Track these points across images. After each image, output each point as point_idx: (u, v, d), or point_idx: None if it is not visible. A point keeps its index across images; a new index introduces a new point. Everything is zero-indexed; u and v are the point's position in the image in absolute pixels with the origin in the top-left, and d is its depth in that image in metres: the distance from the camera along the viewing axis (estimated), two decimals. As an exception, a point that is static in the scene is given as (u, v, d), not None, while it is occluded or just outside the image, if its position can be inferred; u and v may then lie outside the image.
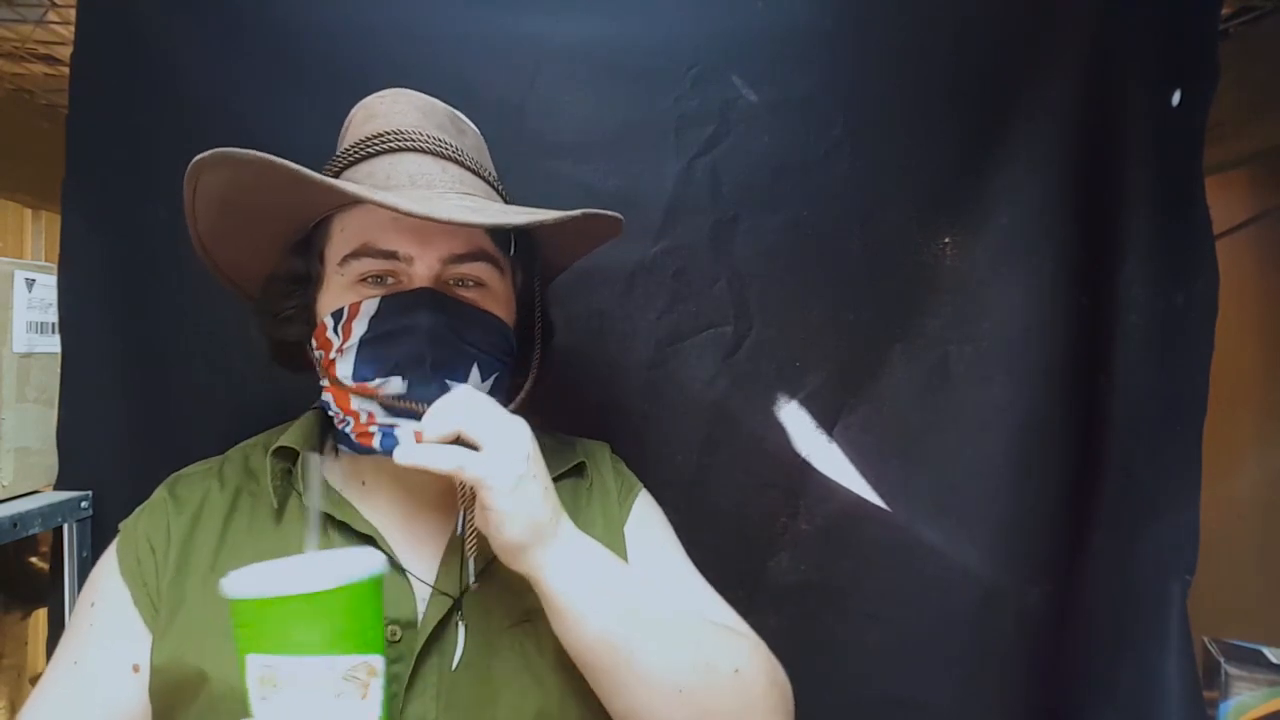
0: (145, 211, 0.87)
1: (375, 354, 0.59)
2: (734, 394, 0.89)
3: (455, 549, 0.63)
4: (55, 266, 0.87)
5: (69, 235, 0.87)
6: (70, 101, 0.86)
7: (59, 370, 0.86)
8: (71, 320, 0.86)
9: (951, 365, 0.87)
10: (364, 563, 0.48)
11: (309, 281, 0.65)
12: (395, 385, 0.59)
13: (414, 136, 0.63)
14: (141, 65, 0.86)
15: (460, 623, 0.61)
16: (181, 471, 0.68)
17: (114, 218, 0.87)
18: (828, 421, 0.89)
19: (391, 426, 0.59)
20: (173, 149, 0.85)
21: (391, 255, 0.60)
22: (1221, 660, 0.83)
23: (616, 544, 0.69)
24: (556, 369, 0.86)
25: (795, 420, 0.89)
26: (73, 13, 0.89)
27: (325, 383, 0.62)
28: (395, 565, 0.61)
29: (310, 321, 0.64)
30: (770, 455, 0.89)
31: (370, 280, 0.61)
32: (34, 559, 0.94)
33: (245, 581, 0.45)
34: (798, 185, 0.88)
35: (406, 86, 0.67)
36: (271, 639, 0.45)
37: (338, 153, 0.65)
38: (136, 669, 0.58)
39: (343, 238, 0.62)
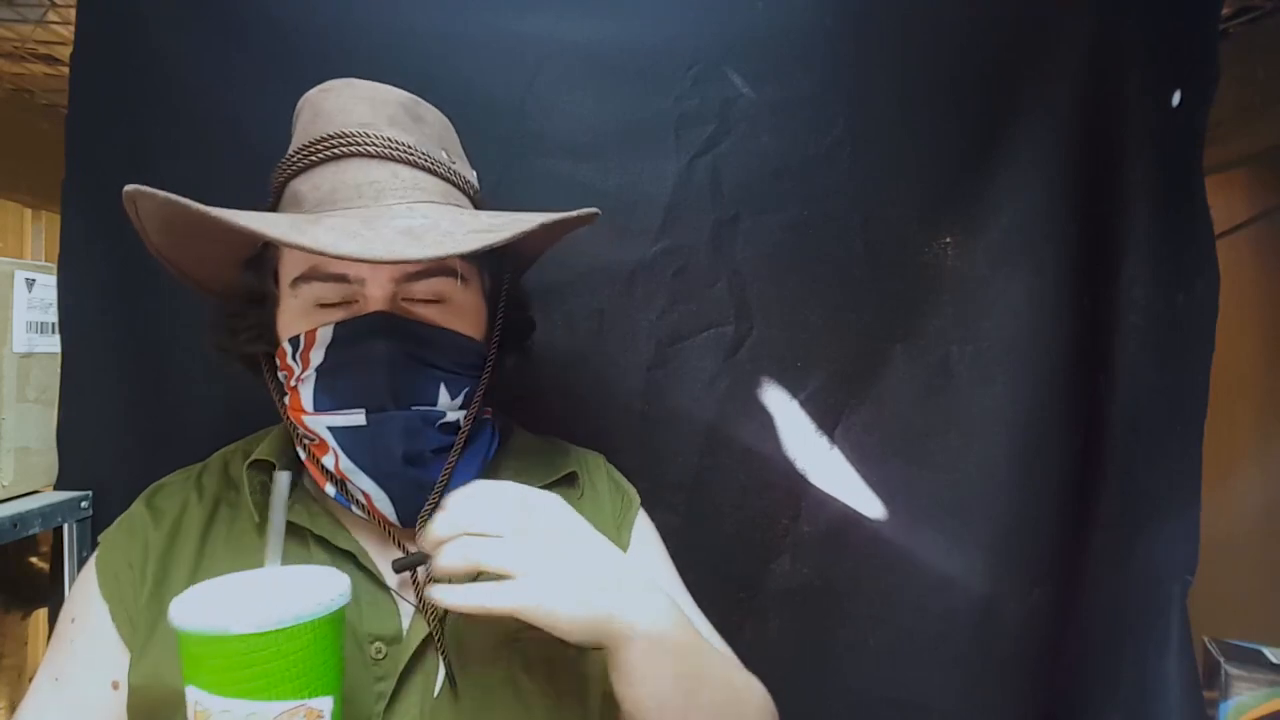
0: (145, 211, 0.87)
1: (333, 385, 0.57)
2: (734, 394, 0.89)
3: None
4: (55, 266, 0.86)
5: (69, 235, 0.87)
6: (70, 101, 0.86)
7: (59, 370, 0.86)
8: (71, 320, 0.86)
9: (953, 365, 0.87)
10: (321, 594, 0.46)
11: (265, 299, 0.62)
12: (357, 418, 0.56)
13: (360, 140, 0.58)
14: (141, 65, 0.86)
15: (439, 645, 0.58)
16: (162, 481, 0.66)
17: (114, 218, 0.86)
18: (829, 422, 0.89)
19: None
20: (172, 149, 0.87)
21: (341, 279, 0.57)
22: (1221, 660, 0.83)
23: None
24: (553, 368, 0.86)
25: (796, 421, 0.89)
26: (73, 13, 0.89)
27: (288, 401, 0.61)
28: (378, 583, 0.60)
29: (271, 341, 0.62)
30: (771, 456, 0.89)
31: (327, 305, 0.58)
32: (34, 559, 0.94)
33: (187, 609, 0.45)
34: (798, 185, 0.88)
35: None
36: (204, 675, 0.44)
37: (286, 156, 0.61)
38: (116, 686, 0.57)
39: (291, 259, 0.59)
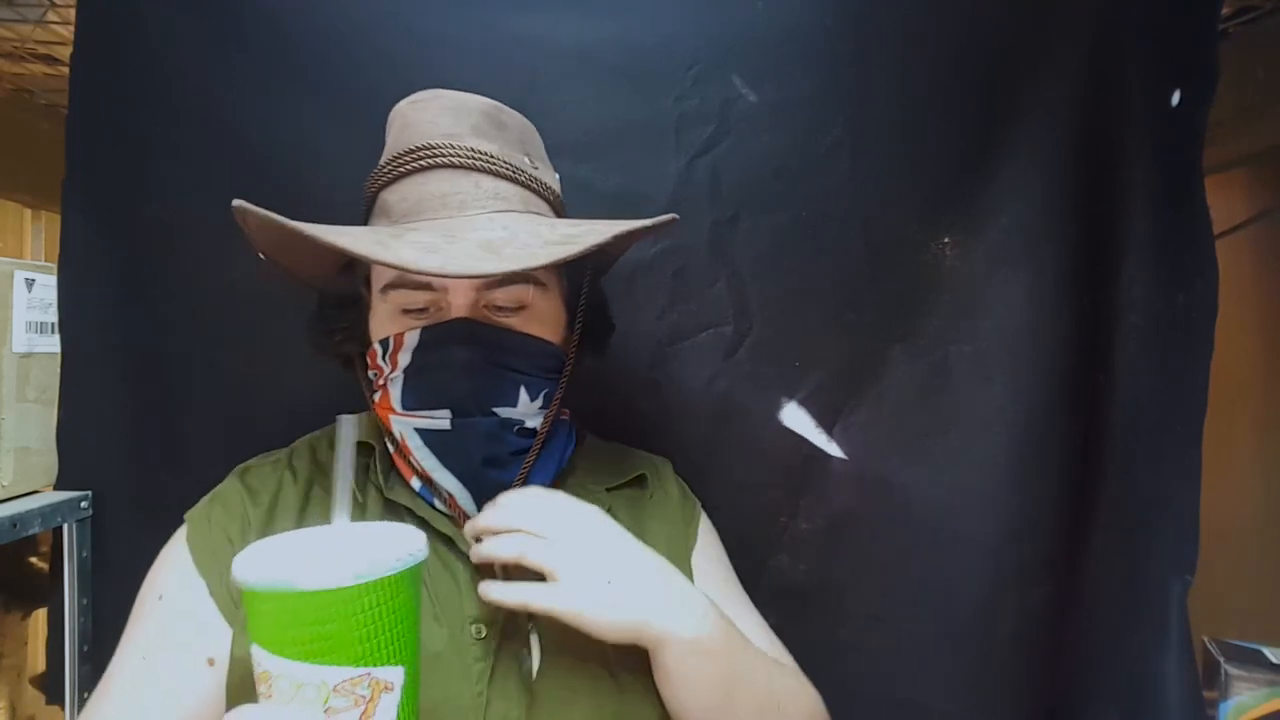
0: (145, 211, 0.87)
1: (419, 386, 0.60)
2: (734, 394, 0.89)
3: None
4: (55, 266, 0.87)
5: (69, 235, 0.87)
6: (70, 101, 0.86)
7: (59, 370, 0.86)
8: (71, 320, 0.86)
9: (952, 365, 0.87)
10: (393, 551, 0.42)
11: (358, 302, 0.66)
12: (443, 421, 0.60)
13: (444, 151, 0.61)
14: (141, 65, 0.86)
15: (533, 625, 0.61)
16: (249, 463, 0.67)
17: (114, 218, 0.87)
18: (828, 421, 0.89)
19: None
20: (172, 149, 0.87)
21: (426, 287, 0.60)
22: (1221, 660, 0.83)
23: (681, 566, 0.70)
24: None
25: (795, 420, 0.89)
26: (73, 13, 0.89)
27: (378, 398, 0.64)
28: (475, 567, 0.61)
29: (363, 340, 0.65)
30: (770, 455, 0.89)
31: (412, 310, 0.61)
32: (34, 559, 0.94)
33: (250, 564, 0.42)
34: (798, 185, 0.88)
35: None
36: (265, 633, 0.41)
37: (377, 167, 0.64)
38: (212, 662, 0.57)
39: (380, 267, 0.61)
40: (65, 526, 0.84)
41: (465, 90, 0.66)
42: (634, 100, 0.88)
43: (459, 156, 0.61)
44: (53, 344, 0.86)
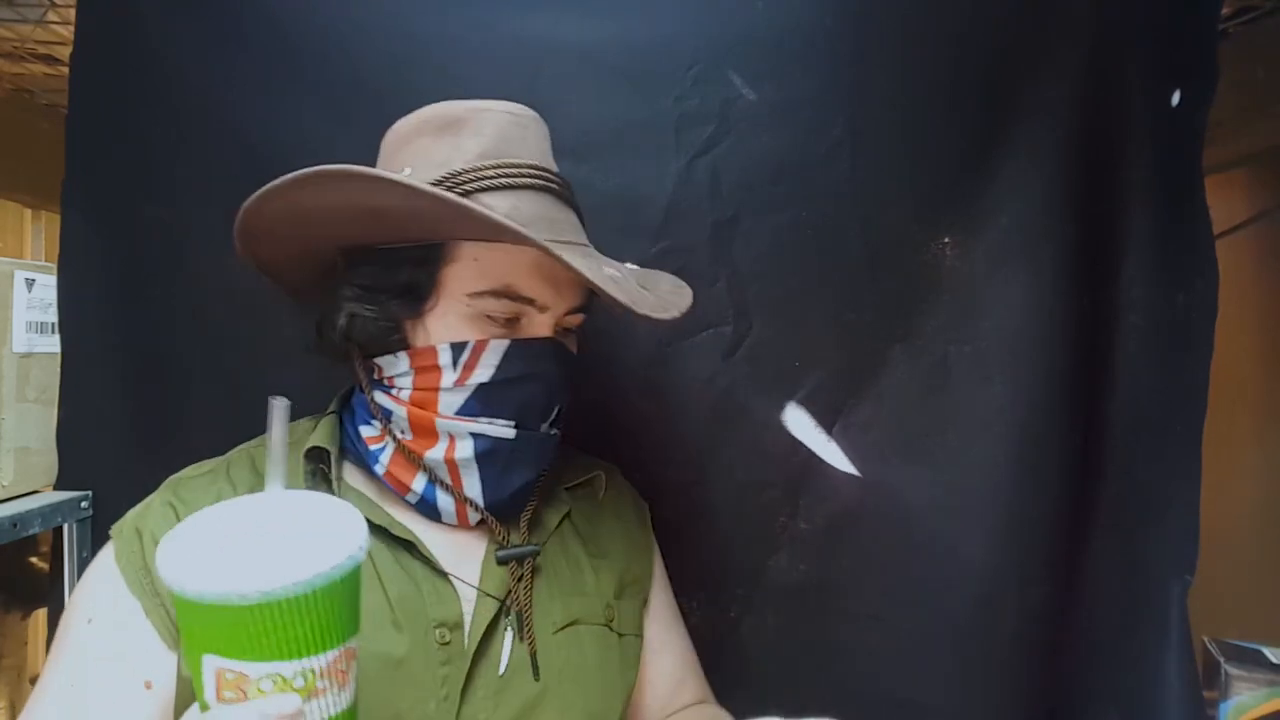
0: (145, 211, 0.87)
1: (494, 396, 0.60)
2: (733, 393, 0.89)
3: (496, 548, 0.64)
4: (55, 266, 0.87)
5: (69, 235, 0.87)
6: (70, 101, 0.86)
7: (59, 370, 0.86)
8: (71, 320, 0.86)
9: (951, 365, 0.87)
10: (348, 532, 0.41)
11: (410, 294, 0.61)
12: (507, 430, 0.61)
13: (549, 177, 0.61)
14: (141, 65, 0.86)
15: (509, 626, 0.62)
16: (180, 475, 0.64)
17: (114, 218, 0.87)
18: (827, 421, 0.89)
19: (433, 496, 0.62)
20: (172, 149, 0.87)
21: (530, 302, 0.60)
22: (1221, 660, 0.83)
23: (642, 565, 0.74)
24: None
25: (795, 420, 0.89)
26: (73, 13, 0.89)
27: (408, 396, 0.61)
28: (437, 571, 0.62)
29: (394, 330, 0.62)
30: (770, 454, 0.89)
31: (495, 319, 0.60)
32: (34, 559, 0.94)
33: (187, 571, 0.38)
34: (798, 185, 0.88)
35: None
36: (236, 643, 0.38)
37: (469, 167, 0.59)
38: (150, 685, 0.55)
39: (478, 269, 0.60)
40: (65, 526, 0.84)
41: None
42: (634, 100, 0.88)
43: (558, 185, 0.62)
44: (53, 344, 0.86)
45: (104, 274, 0.87)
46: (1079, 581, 0.86)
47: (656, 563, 0.77)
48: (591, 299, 0.64)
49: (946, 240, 0.88)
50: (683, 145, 0.88)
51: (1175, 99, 0.82)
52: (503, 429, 0.61)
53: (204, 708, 0.40)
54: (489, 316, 0.60)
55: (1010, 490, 0.86)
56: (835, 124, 0.87)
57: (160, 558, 0.40)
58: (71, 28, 0.94)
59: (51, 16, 1.08)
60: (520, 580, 0.63)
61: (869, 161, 0.87)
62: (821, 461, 0.89)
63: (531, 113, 0.65)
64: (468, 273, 0.60)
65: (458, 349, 0.60)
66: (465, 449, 0.61)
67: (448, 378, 0.60)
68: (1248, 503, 1.30)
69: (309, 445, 0.63)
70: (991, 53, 0.86)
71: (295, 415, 0.71)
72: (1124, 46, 0.83)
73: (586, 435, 0.78)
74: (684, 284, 0.69)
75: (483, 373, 0.60)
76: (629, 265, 0.65)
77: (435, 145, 0.61)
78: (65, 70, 1.01)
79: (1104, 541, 0.84)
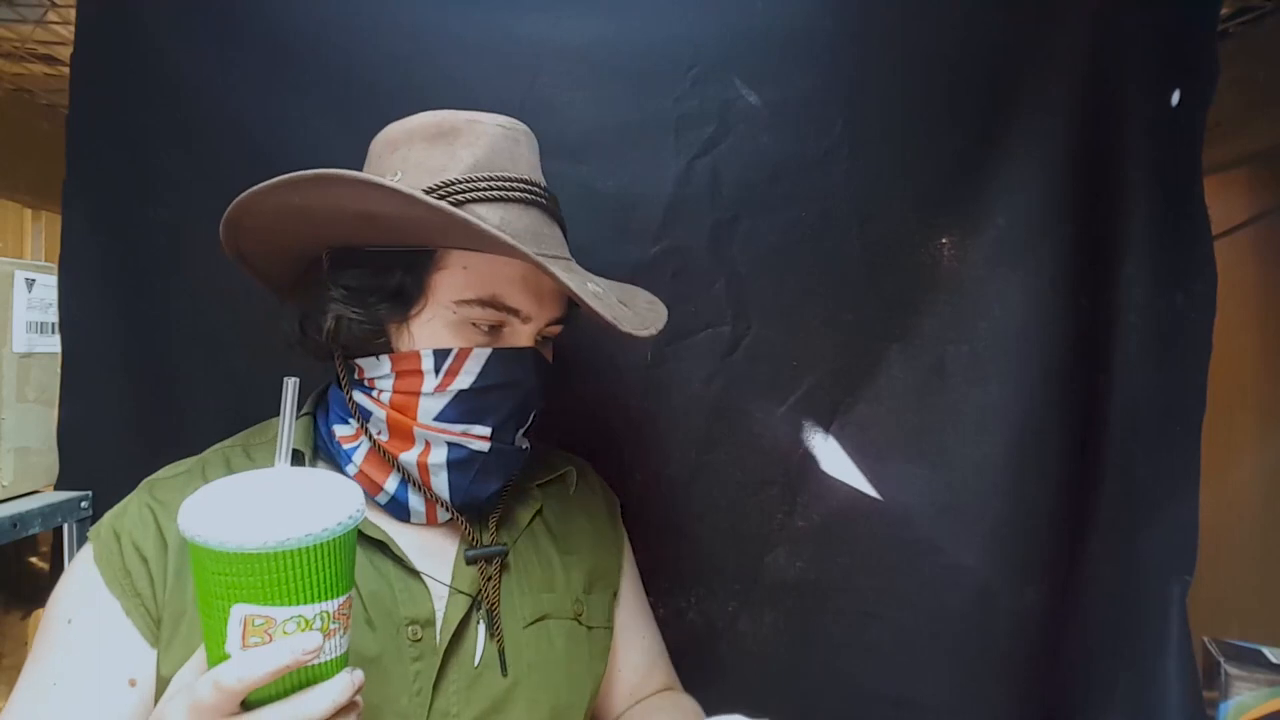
0: (145, 211, 0.87)
1: (474, 402, 0.61)
2: (732, 393, 0.89)
3: (466, 548, 0.65)
4: (55, 266, 0.87)
5: (69, 235, 0.87)
6: (70, 101, 0.86)
7: (59, 370, 0.86)
8: (71, 320, 0.86)
9: (949, 365, 0.87)
10: (345, 493, 0.46)
11: (398, 299, 0.61)
12: (482, 443, 0.61)
13: (538, 192, 0.62)
14: (141, 65, 0.86)
15: (480, 621, 0.63)
16: (156, 476, 0.64)
17: (114, 218, 0.87)
18: (825, 420, 0.89)
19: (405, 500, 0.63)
20: (173, 149, 0.87)
21: (514, 312, 0.61)
22: (1221, 660, 0.83)
23: (611, 560, 0.75)
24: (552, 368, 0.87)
25: (793, 419, 0.89)
26: (73, 13, 0.89)
27: (390, 400, 0.61)
28: (409, 569, 0.62)
29: (379, 333, 0.62)
30: (767, 453, 0.89)
31: (480, 326, 0.61)
32: (34, 559, 0.94)
33: (222, 526, 0.42)
34: (797, 185, 0.88)
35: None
36: (267, 590, 0.43)
37: (463, 176, 0.59)
38: (133, 683, 0.56)
39: (465, 278, 0.60)
40: (65, 526, 0.84)
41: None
42: (634, 100, 0.88)
43: (545, 199, 0.63)
44: (53, 344, 0.86)
45: (104, 274, 0.87)
46: (1078, 581, 0.86)
47: (626, 556, 0.78)
48: (571, 309, 0.65)
49: (944, 240, 0.88)
50: (682, 146, 0.88)
51: (1175, 99, 0.82)
52: (478, 442, 0.61)
53: (221, 659, 0.44)
54: (474, 324, 0.61)
55: (1008, 489, 0.86)
56: (835, 124, 0.88)
57: (189, 518, 0.43)
58: (71, 28, 0.94)
59: (51, 16, 1.08)
60: (489, 580, 0.64)
61: (867, 162, 0.88)
62: (818, 459, 0.89)
63: (523, 126, 0.65)
64: (456, 281, 0.61)
65: (441, 355, 0.60)
66: (439, 455, 0.62)
67: (429, 383, 0.60)
68: (1248, 503, 1.31)
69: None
70: (991, 53, 0.86)
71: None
72: (1124, 46, 0.83)
73: (586, 434, 0.79)
74: (657, 299, 0.71)
75: (464, 379, 0.60)
76: (605, 279, 0.66)
77: (428, 153, 0.61)
78: (65, 70, 1.02)
79: (1103, 541, 0.84)
